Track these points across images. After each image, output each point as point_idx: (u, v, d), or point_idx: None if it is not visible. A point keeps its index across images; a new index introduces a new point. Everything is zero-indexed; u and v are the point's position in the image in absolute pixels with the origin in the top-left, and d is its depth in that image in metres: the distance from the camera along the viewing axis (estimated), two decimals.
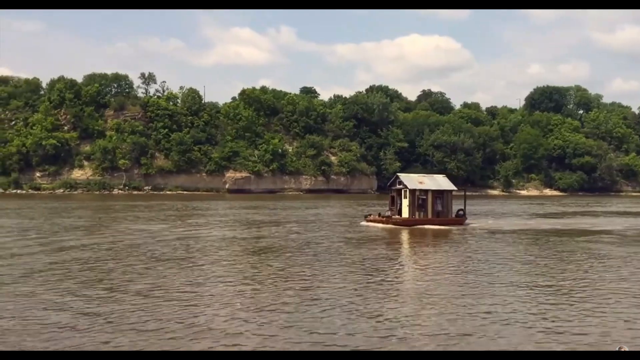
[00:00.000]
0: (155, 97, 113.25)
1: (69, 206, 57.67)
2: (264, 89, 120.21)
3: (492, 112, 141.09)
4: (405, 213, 37.41)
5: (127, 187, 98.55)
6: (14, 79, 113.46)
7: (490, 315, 13.76)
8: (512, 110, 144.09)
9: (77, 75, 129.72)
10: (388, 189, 40.99)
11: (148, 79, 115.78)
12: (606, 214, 54.20)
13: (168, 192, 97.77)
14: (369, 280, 18.10)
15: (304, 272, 19.34)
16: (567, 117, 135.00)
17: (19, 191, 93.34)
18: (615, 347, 9.92)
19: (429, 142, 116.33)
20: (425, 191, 37.54)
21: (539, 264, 21.91)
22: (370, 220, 38.72)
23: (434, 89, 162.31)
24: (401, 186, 38.05)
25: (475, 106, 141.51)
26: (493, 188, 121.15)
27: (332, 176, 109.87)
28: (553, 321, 13.33)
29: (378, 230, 35.32)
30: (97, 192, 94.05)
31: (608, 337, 12.08)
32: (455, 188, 40.07)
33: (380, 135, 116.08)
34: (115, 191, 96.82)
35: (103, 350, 10.85)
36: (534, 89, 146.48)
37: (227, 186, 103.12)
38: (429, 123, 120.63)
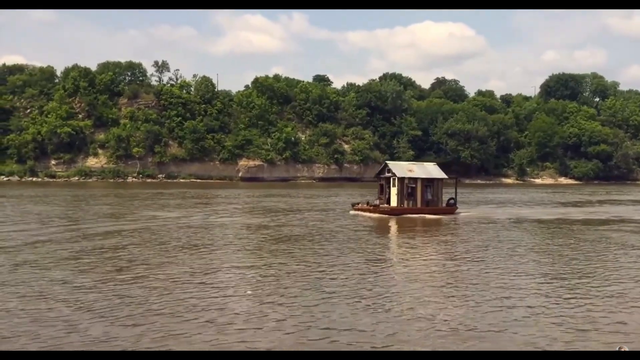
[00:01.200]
0: (169, 85, 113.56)
1: (92, 194, 58.52)
2: (277, 77, 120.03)
3: (507, 99, 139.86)
4: (393, 202, 36.65)
5: (141, 175, 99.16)
6: (29, 68, 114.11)
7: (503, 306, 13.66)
8: (527, 98, 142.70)
9: (91, 64, 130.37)
10: (377, 177, 40.18)
11: (161, 67, 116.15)
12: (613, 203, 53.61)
13: (181, 180, 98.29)
14: (336, 284, 18.02)
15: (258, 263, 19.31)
16: (583, 105, 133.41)
17: (34, 179, 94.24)
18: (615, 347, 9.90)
19: (443, 130, 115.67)
20: (415, 179, 36.71)
21: (525, 255, 21.50)
22: (358, 209, 37.98)
23: (448, 77, 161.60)
24: (390, 174, 37.26)
25: (489, 94, 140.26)
26: (507, 177, 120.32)
27: (345, 164, 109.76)
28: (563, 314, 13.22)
29: (364, 219, 34.51)
30: (112, 180, 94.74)
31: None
32: (445, 176, 39.09)
33: (393, 124, 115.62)
34: (129, 179, 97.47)
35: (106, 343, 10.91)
36: (550, 77, 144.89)
37: (240, 174, 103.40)
38: (442, 111, 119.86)
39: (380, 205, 37.06)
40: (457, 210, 37.89)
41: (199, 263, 18.76)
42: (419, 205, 36.57)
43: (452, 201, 38.17)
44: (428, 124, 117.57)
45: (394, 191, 36.60)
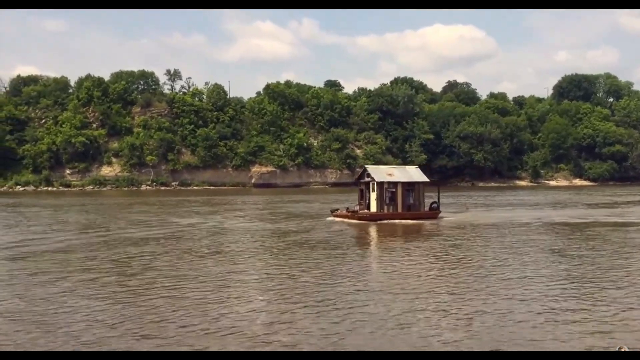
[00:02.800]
0: (181, 93, 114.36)
1: (118, 202, 59.32)
2: (288, 83, 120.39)
3: (519, 101, 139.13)
4: (373, 207, 35.65)
5: (154, 183, 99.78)
6: (43, 78, 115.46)
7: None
8: (539, 100, 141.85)
9: (104, 73, 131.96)
10: (357, 182, 38.96)
11: (174, 75, 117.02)
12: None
13: (195, 188, 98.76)
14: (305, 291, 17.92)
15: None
16: (597, 106, 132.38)
17: (49, 188, 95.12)
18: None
19: (455, 133, 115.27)
20: (395, 183, 35.69)
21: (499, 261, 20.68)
22: (337, 216, 36.70)
23: (459, 79, 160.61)
24: (369, 179, 36.26)
25: (501, 96, 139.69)
26: (521, 179, 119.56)
27: (358, 169, 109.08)
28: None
29: (342, 226, 33.12)
30: (126, 189, 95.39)
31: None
32: (427, 180, 37.98)
33: (405, 128, 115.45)
34: (143, 187, 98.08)
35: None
36: (562, 78, 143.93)
37: (253, 181, 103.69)
38: (454, 114, 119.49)
39: (359, 211, 35.99)
40: (441, 215, 36.91)
41: (223, 269, 18.83)
42: (399, 210, 35.56)
43: (435, 205, 37.24)
44: (440, 128, 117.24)
45: (373, 196, 35.62)
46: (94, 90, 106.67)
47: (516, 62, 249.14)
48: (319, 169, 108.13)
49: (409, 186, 36.22)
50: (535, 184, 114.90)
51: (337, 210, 37.75)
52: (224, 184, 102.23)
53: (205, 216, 40.70)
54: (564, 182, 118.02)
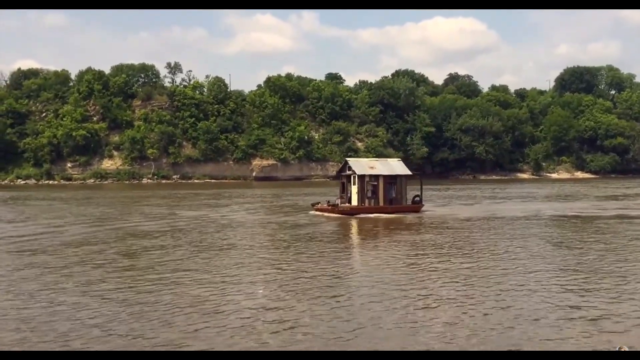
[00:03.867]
0: (182, 86, 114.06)
1: (128, 195, 59.16)
2: (289, 76, 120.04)
3: (521, 94, 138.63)
4: (354, 201, 35.10)
5: (155, 177, 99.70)
6: (44, 72, 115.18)
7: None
8: (541, 92, 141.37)
9: (105, 67, 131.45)
10: (338, 175, 38.38)
11: (174, 68, 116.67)
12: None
13: (196, 181, 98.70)
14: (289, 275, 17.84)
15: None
16: (599, 98, 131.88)
17: (50, 182, 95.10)
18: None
19: (457, 126, 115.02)
20: (376, 176, 35.06)
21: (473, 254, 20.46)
22: (318, 209, 36.00)
23: (461, 72, 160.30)
24: (350, 172, 35.64)
25: (503, 89, 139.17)
26: (523, 172, 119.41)
27: None
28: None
29: (321, 220, 32.44)
30: (127, 182, 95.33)
31: None
32: (410, 173, 37.67)
33: (406, 120, 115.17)
34: (145, 180, 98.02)
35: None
36: (564, 70, 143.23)
37: (254, 174, 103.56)
38: (456, 107, 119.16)
39: (340, 205, 35.46)
40: (423, 209, 36.43)
41: (227, 262, 18.76)
42: (381, 203, 35.09)
43: (417, 199, 36.75)
44: (442, 120, 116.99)
45: (354, 189, 35.09)
46: (95, 84, 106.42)
47: (517, 55, 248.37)
48: (320, 162, 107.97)
49: (391, 179, 35.65)
50: (537, 177, 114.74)
51: (318, 203, 37.03)
52: (225, 177, 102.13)
53: (215, 209, 40.69)
54: (565, 175, 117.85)
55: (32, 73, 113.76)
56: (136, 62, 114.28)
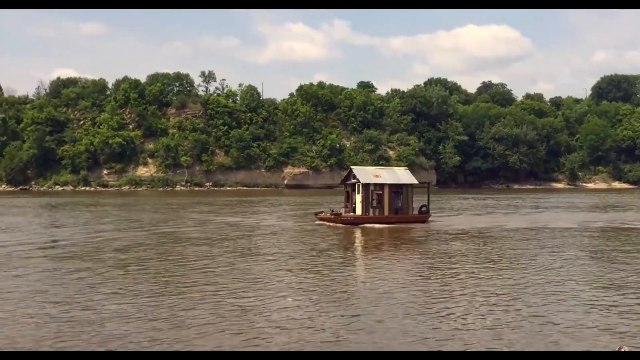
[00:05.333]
0: (215, 94, 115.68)
1: (168, 202, 60.23)
2: (321, 85, 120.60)
3: (557, 102, 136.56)
4: (358, 210, 33.88)
5: (188, 184, 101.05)
6: (82, 80, 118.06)
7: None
8: (577, 101, 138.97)
9: (140, 75, 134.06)
10: (342, 183, 37.10)
11: (208, 77, 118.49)
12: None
13: (228, 188, 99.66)
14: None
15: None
16: (637, 107, 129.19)
17: (87, 188, 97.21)
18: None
19: (490, 135, 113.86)
20: (381, 185, 33.79)
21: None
22: (321, 219, 34.85)
23: (494, 80, 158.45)
24: (355, 180, 34.43)
25: (538, 97, 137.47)
26: (558, 181, 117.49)
27: None
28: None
29: (323, 229, 31.55)
30: (161, 189, 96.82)
31: None
32: (416, 182, 36.21)
33: (439, 129, 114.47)
34: (178, 187, 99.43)
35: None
36: (601, 78, 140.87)
37: (285, 182, 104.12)
38: (489, 115, 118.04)
39: (343, 214, 34.34)
40: (430, 219, 35.27)
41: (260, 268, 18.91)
42: (386, 213, 33.83)
43: (424, 209, 35.51)
44: (475, 129, 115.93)
45: (358, 198, 33.90)
46: (131, 92, 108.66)
47: (552, 62, 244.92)
48: None
49: (397, 188, 34.41)
50: (573, 187, 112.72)
51: (321, 212, 35.93)
52: (256, 185, 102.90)
53: (249, 215, 41.05)
54: (602, 185, 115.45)
55: (70, 82, 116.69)
56: (171, 71, 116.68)
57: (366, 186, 33.66)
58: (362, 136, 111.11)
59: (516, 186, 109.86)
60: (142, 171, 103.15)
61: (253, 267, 19.33)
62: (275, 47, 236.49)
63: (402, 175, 35.78)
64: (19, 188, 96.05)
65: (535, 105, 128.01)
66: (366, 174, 35.06)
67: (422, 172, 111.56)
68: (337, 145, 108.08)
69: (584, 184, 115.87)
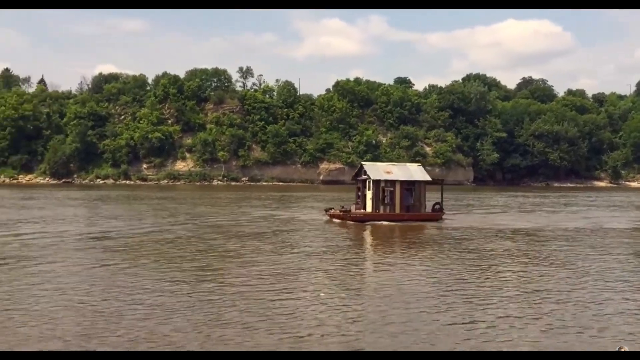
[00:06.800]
0: (252, 90, 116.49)
1: (212, 196, 60.96)
2: (357, 80, 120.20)
3: (599, 99, 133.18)
4: (368, 207, 33.21)
5: (225, 179, 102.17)
6: (123, 76, 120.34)
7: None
8: (621, 97, 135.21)
9: (179, 71, 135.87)
10: (354, 179, 36.56)
11: (246, 72, 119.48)
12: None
13: (264, 184, 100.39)
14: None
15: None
16: None
17: (127, 182, 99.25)
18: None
19: (530, 131, 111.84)
20: (393, 182, 32.96)
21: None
22: (331, 215, 34.23)
23: (535, 76, 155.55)
24: (365, 176, 33.72)
25: (580, 93, 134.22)
26: (600, 179, 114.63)
27: (427, 167, 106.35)
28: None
29: (331, 226, 31.00)
30: (198, 183, 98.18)
31: None
32: (429, 179, 35.41)
33: (477, 125, 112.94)
34: (215, 182, 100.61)
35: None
36: None
37: (321, 177, 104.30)
38: (529, 112, 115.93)
39: (352, 211, 33.55)
40: (444, 217, 34.33)
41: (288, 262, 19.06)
42: (397, 210, 33.02)
43: (437, 206, 34.54)
44: (514, 126, 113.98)
45: (369, 195, 33.22)
46: (170, 88, 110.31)
47: (595, 58, 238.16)
48: None
49: (409, 185, 33.49)
50: (615, 185, 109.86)
51: (331, 209, 35.30)
52: (292, 180, 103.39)
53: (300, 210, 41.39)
54: None
55: (112, 77, 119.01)
56: (209, 66, 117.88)
57: (377, 182, 32.90)
58: (399, 132, 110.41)
59: (556, 184, 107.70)
60: (180, 165, 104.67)
61: (291, 261, 19.48)
62: (312, 42, 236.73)
63: (414, 171, 34.93)
64: (62, 181, 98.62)
65: (577, 101, 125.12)
66: (377, 170, 34.39)
67: (459, 170, 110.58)
68: (373, 141, 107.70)
69: (627, 183, 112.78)
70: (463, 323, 12.48)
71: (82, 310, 13.09)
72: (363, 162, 36.75)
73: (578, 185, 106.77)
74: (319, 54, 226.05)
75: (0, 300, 13.92)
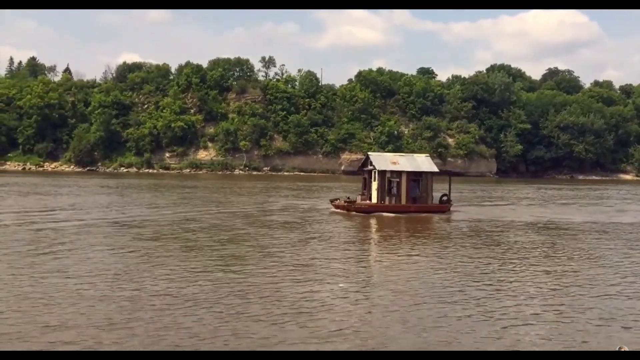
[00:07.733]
0: (275, 80, 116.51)
1: (237, 184, 61.86)
2: (380, 71, 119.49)
3: (627, 90, 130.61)
4: (374, 198, 32.79)
5: (247, 168, 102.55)
6: (146, 65, 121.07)
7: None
8: None
9: (202, 60, 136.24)
10: (359, 170, 36.48)
11: (268, 62, 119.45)
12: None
13: (285, 173, 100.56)
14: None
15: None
16: None
17: (150, 170, 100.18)
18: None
19: (555, 123, 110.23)
20: (399, 173, 32.55)
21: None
22: (336, 206, 33.75)
23: (561, 67, 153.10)
24: (371, 167, 33.25)
25: (607, 84, 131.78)
26: (626, 172, 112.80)
27: (449, 158, 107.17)
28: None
29: (335, 218, 30.69)
30: (220, 172, 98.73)
31: None
32: (437, 170, 35.02)
33: (501, 117, 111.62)
34: (236, 171, 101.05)
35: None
36: None
37: (342, 168, 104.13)
38: (554, 103, 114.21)
39: (357, 202, 33.25)
40: (452, 209, 33.95)
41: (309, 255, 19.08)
42: (403, 202, 32.62)
43: (445, 198, 34.16)
44: (538, 117, 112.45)
45: (374, 186, 32.75)
46: (193, 77, 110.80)
47: (622, 48, 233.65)
48: None
49: (415, 176, 33.10)
50: None
51: (336, 200, 34.92)
52: (313, 171, 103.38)
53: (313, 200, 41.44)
54: None
55: (136, 66, 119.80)
56: (232, 56, 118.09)
57: (382, 173, 32.56)
58: (421, 123, 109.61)
59: (581, 177, 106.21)
60: (203, 155, 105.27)
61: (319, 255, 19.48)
62: (334, 32, 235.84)
63: (421, 162, 34.51)
64: (86, 169, 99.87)
65: (603, 92, 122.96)
66: (383, 160, 34.13)
67: (482, 161, 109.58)
68: (395, 132, 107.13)
69: None
70: (494, 319, 12.37)
71: (107, 300, 13.16)
72: (369, 153, 36.59)
73: (603, 178, 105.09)
74: (342, 44, 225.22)
75: (25, 286, 14.12)
